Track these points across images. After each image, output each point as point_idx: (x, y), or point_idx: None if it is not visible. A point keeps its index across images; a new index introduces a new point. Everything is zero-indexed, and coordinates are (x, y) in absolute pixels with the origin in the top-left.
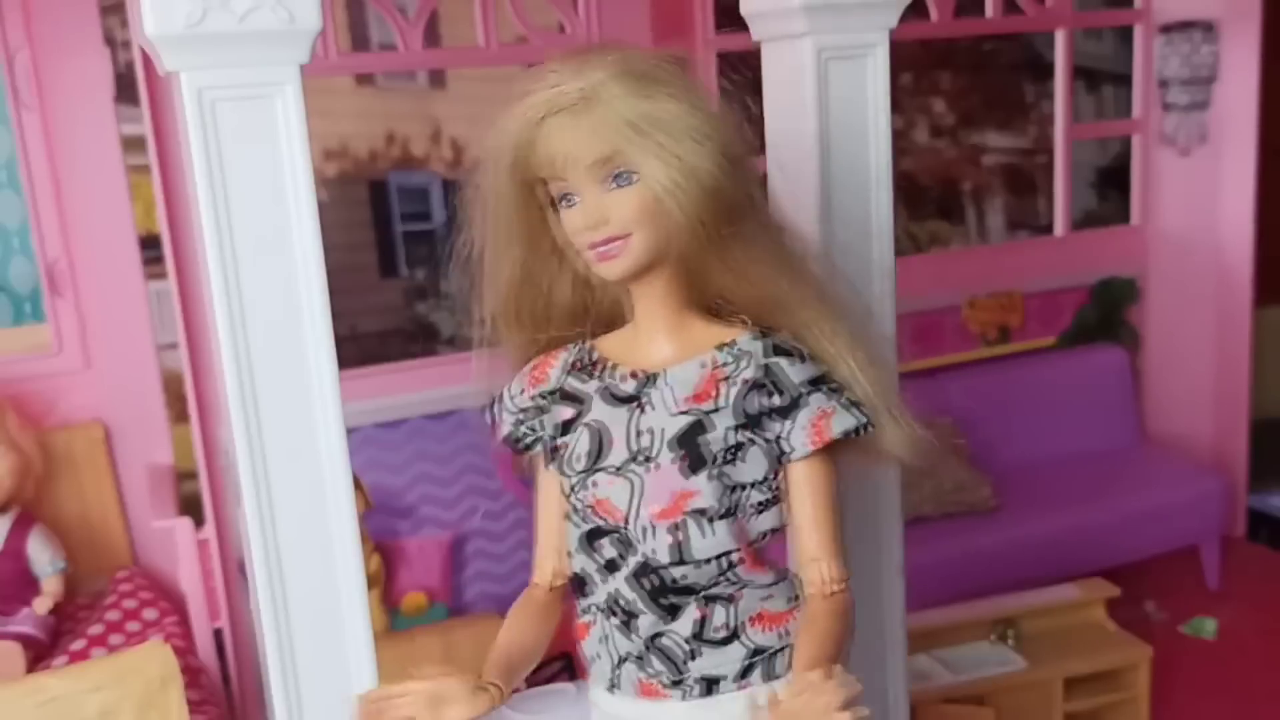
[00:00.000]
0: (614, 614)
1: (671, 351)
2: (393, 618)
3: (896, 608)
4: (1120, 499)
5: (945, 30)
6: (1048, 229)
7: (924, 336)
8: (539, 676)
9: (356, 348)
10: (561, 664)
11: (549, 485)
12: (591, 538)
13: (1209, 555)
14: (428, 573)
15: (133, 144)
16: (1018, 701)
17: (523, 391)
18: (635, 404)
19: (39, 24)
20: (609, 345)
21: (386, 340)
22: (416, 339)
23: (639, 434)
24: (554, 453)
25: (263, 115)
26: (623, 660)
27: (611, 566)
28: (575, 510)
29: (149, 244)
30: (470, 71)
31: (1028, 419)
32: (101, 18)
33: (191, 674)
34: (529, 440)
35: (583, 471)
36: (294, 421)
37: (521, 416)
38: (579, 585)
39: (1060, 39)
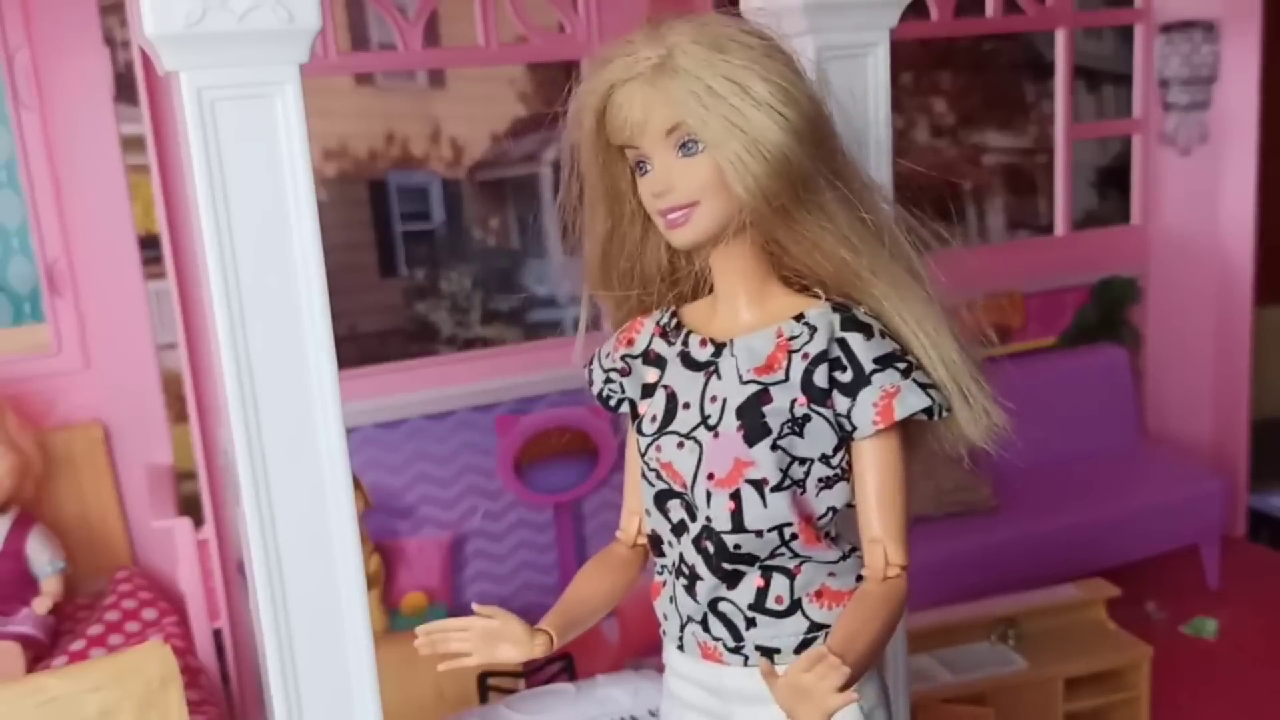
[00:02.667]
0: (681, 575)
1: (747, 320)
2: (392, 618)
3: None
4: (1120, 499)
5: (945, 30)
6: (1048, 229)
7: None
8: (539, 677)
9: (356, 348)
10: (562, 664)
11: (635, 445)
12: (662, 499)
13: (1209, 555)
14: (427, 573)
15: (132, 144)
16: (1018, 701)
17: (613, 351)
18: (709, 370)
19: (38, 24)
20: (692, 311)
21: (386, 340)
22: (416, 339)
23: (710, 400)
24: (636, 413)
25: (262, 115)
26: (688, 621)
27: (680, 529)
28: (647, 470)
29: (148, 244)
30: (470, 71)
31: (1028, 419)
32: (101, 17)
33: (191, 674)
34: (614, 400)
35: (654, 434)
36: (294, 421)
37: (609, 376)
38: (654, 544)
39: (1060, 38)
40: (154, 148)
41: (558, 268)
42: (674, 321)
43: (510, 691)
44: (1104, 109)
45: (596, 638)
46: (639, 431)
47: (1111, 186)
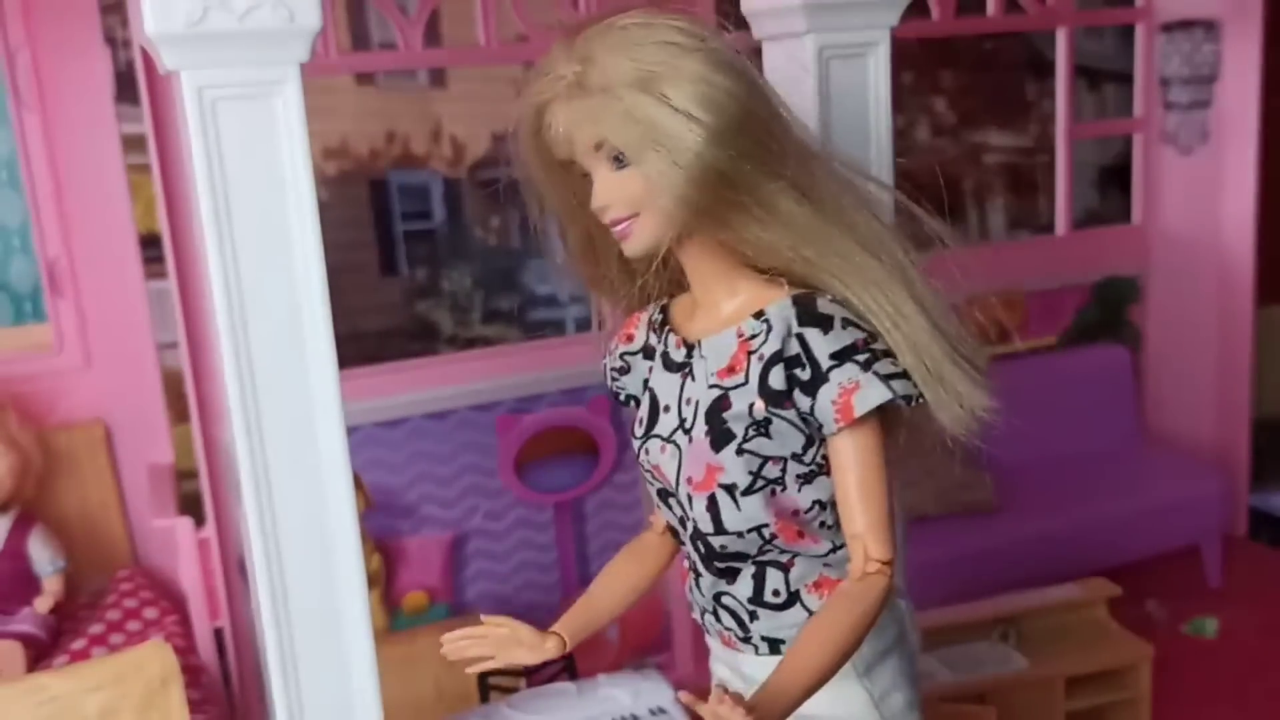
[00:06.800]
0: (691, 567)
1: (718, 318)
2: (393, 617)
3: None
4: (1121, 498)
5: (946, 29)
6: (1049, 228)
7: None
8: (540, 676)
9: (356, 347)
10: (562, 663)
11: None
12: (662, 497)
13: (1210, 554)
14: (428, 572)
15: (133, 143)
16: (1019, 701)
17: (615, 349)
18: (685, 372)
19: (39, 23)
20: (679, 306)
21: (386, 339)
22: (417, 338)
23: (685, 404)
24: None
25: (263, 114)
26: (704, 611)
27: (682, 524)
28: (643, 471)
29: (149, 243)
30: (471, 70)
31: (1028, 419)
32: (102, 17)
33: (192, 673)
34: (623, 395)
35: (641, 437)
36: (294, 421)
37: (614, 374)
38: (674, 535)
39: (1061, 37)
40: (155, 147)
41: (558, 267)
42: (661, 318)
43: (511, 690)
44: (1105, 108)
45: (597, 637)
46: (632, 433)
47: (1112, 186)
